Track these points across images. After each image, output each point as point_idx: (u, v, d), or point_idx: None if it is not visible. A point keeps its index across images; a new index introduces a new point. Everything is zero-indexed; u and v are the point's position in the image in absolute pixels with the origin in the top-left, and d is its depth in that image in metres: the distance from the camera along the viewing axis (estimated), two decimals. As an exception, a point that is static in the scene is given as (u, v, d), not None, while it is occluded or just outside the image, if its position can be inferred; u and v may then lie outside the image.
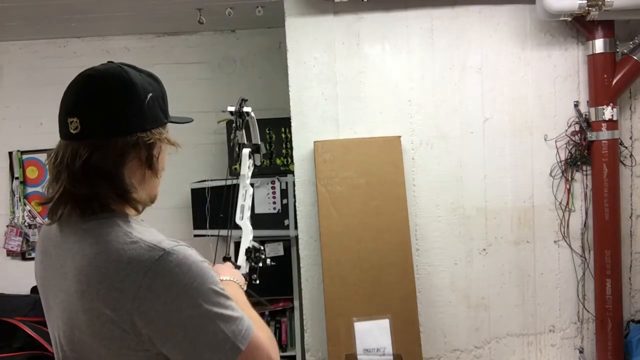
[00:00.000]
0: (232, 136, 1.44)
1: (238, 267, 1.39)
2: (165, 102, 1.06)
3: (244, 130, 1.49)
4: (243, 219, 1.44)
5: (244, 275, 1.40)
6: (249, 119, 1.53)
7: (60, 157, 0.95)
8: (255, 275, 1.45)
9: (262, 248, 1.47)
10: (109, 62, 1.02)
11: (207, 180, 2.99)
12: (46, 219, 1.01)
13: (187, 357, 0.86)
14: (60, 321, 0.96)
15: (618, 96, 2.42)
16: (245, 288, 1.32)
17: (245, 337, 0.89)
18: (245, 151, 1.47)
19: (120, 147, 0.95)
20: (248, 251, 1.44)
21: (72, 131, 0.94)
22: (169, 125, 1.07)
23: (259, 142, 1.54)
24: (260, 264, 1.44)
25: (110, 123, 0.95)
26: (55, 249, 0.99)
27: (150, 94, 0.99)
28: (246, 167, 1.46)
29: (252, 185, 3.10)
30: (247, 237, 1.46)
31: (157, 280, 0.85)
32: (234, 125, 1.46)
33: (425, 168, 2.53)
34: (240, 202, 1.44)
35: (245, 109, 1.48)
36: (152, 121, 1.00)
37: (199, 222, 3.04)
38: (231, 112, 1.47)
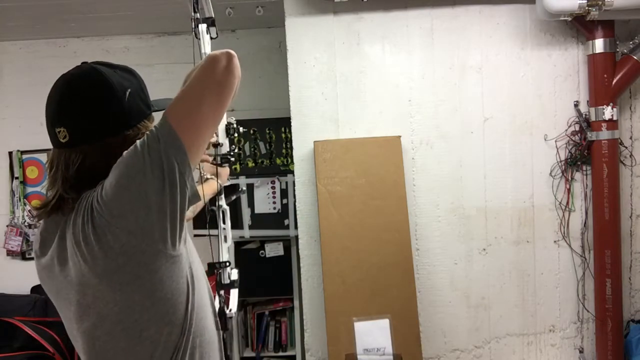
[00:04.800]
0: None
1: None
2: (145, 93, 1.09)
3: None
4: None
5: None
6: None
7: (56, 166, 1.01)
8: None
9: (237, 126, 1.44)
10: (82, 63, 1.04)
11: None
12: (35, 216, 1.05)
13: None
14: (72, 292, 0.97)
15: (618, 96, 2.42)
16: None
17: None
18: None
19: (110, 147, 0.99)
20: (227, 127, 1.40)
21: (61, 140, 0.99)
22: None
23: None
24: (236, 134, 1.43)
25: (95, 127, 0.98)
26: (58, 228, 1.01)
27: (129, 90, 1.02)
28: (207, 43, 1.41)
29: (252, 185, 3.11)
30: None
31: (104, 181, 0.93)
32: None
33: (425, 168, 2.53)
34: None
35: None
36: (135, 116, 1.03)
37: (198, 222, 3.03)
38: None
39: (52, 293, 1.03)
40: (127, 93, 1.00)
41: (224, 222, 1.45)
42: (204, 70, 0.95)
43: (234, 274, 1.37)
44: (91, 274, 0.92)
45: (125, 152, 0.90)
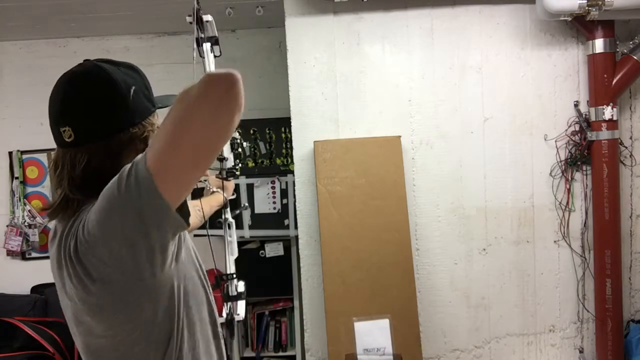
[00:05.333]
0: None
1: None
2: (149, 89, 1.06)
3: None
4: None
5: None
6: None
7: (61, 166, 0.98)
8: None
9: (241, 142, 1.44)
10: (85, 60, 1.02)
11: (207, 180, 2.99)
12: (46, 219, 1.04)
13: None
14: (66, 299, 0.98)
15: (618, 96, 2.42)
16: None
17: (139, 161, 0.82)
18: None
19: (116, 146, 0.97)
20: (231, 142, 1.41)
21: (66, 140, 0.97)
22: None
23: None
24: (240, 150, 1.43)
25: (100, 126, 0.96)
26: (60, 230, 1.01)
27: (133, 87, 1.00)
28: (211, 62, 1.41)
29: (252, 185, 3.11)
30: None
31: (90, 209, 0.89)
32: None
33: (425, 168, 2.53)
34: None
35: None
36: (140, 113, 1.01)
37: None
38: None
39: (57, 288, 1.04)
40: (132, 90, 0.99)
41: (230, 235, 1.46)
42: (197, 100, 0.77)
43: (241, 286, 1.38)
44: (74, 294, 0.93)
45: (111, 182, 0.85)
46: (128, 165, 0.83)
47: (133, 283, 0.89)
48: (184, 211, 0.87)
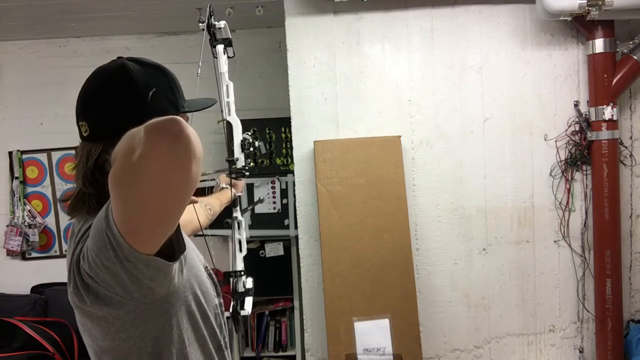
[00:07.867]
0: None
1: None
2: (175, 92, 1.06)
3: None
4: (231, 114, 1.45)
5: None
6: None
7: (79, 159, 1.00)
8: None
9: (253, 141, 1.46)
10: (118, 58, 1.03)
11: (207, 180, 2.99)
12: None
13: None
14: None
15: (618, 96, 2.42)
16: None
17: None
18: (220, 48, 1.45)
19: None
20: (242, 143, 1.42)
21: (84, 134, 0.98)
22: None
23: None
24: (252, 149, 1.44)
25: (113, 124, 0.96)
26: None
27: (153, 90, 0.99)
28: (223, 63, 1.44)
29: (252, 185, 3.11)
30: (238, 129, 1.44)
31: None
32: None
33: (425, 168, 2.53)
34: (225, 99, 1.45)
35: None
36: (157, 116, 0.98)
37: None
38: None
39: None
40: (151, 93, 0.98)
41: (239, 233, 1.47)
42: (141, 160, 0.69)
43: (249, 283, 1.40)
44: (72, 300, 0.92)
45: (96, 222, 0.83)
46: (104, 220, 0.79)
47: (120, 303, 0.89)
48: (176, 244, 0.86)
